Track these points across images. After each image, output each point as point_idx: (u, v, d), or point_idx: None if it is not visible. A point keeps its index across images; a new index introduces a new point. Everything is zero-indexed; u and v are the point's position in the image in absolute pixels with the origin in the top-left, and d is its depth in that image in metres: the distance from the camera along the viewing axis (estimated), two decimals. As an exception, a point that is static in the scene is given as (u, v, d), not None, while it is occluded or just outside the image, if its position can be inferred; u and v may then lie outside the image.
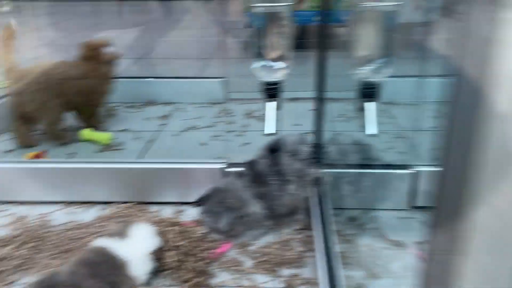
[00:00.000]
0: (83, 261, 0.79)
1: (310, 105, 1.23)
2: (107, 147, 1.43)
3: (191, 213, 1.05)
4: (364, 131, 0.87)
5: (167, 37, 3.15)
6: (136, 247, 0.83)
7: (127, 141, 1.49)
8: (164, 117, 1.76)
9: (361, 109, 0.87)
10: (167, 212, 1.07)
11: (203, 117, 1.74)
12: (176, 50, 2.82)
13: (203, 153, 1.43)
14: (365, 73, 0.84)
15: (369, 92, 0.85)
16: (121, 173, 1.13)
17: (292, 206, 0.94)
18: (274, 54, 0.81)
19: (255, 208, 0.93)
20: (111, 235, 0.85)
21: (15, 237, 0.97)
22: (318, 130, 1.03)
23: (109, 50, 1.49)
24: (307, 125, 1.24)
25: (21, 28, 1.43)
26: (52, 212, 1.06)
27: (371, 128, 0.85)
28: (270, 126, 0.86)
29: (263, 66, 0.80)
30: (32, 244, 0.95)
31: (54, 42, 2.89)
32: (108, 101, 1.62)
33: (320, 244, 0.82)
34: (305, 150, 0.90)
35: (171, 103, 1.90)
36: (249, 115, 1.76)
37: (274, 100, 0.87)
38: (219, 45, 2.46)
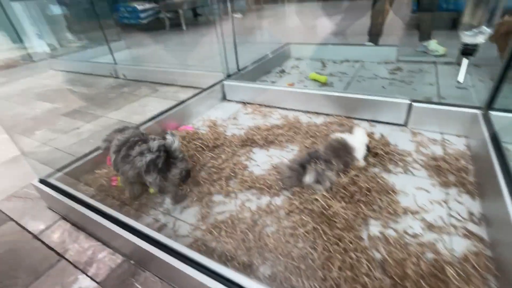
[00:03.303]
0: (330, 146, 1.12)
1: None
2: (325, 83, 2.04)
3: (380, 129, 1.48)
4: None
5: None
6: (358, 140, 1.15)
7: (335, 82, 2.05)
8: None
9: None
10: (364, 124, 1.54)
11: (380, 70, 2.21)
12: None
13: (383, 92, 1.86)
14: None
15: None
16: (334, 98, 1.63)
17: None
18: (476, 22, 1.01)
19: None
20: (343, 132, 1.19)
21: (284, 125, 1.57)
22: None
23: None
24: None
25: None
26: (299, 115, 1.72)
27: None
28: (461, 76, 1.12)
29: (471, 32, 1.02)
30: (293, 130, 1.51)
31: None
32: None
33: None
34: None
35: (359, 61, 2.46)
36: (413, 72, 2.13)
37: (470, 57, 1.10)
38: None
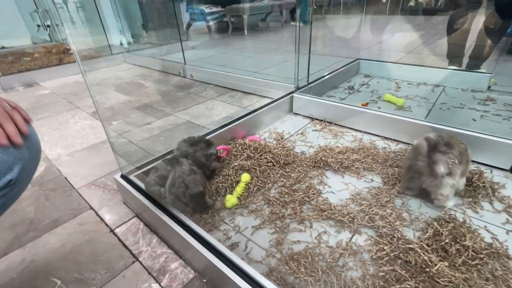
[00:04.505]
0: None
1: None
2: (401, 107, 1.84)
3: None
4: None
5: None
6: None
7: (413, 107, 1.84)
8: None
9: None
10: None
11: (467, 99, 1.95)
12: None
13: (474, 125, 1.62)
14: None
15: None
16: (417, 126, 1.43)
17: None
18: None
19: None
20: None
21: (359, 150, 1.38)
22: None
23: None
24: None
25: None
26: (375, 140, 1.57)
27: None
28: None
29: None
30: (371, 157, 1.33)
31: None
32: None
33: None
34: None
35: (440, 85, 2.22)
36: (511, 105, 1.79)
37: None
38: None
